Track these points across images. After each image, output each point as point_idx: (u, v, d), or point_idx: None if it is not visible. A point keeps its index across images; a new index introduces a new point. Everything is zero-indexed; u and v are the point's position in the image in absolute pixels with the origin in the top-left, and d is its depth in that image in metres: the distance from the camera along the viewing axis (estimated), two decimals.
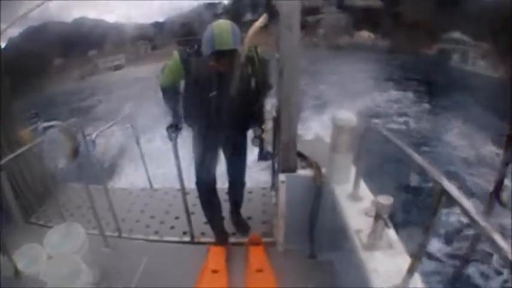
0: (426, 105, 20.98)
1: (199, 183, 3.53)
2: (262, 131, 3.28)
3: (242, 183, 3.86)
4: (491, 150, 13.09)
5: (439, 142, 15.13)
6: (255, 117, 3.31)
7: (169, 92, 3.26)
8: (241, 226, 3.95)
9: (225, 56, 2.74)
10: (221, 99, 3.01)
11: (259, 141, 3.34)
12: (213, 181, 3.60)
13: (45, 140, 3.31)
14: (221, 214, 3.79)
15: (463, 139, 14.97)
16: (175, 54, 3.05)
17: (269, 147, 3.45)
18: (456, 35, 33.99)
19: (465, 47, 32.47)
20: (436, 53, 35.74)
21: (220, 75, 2.93)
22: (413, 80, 26.35)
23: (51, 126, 3.23)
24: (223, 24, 2.74)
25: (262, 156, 3.44)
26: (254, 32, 2.82)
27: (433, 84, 24.93)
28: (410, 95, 23.09)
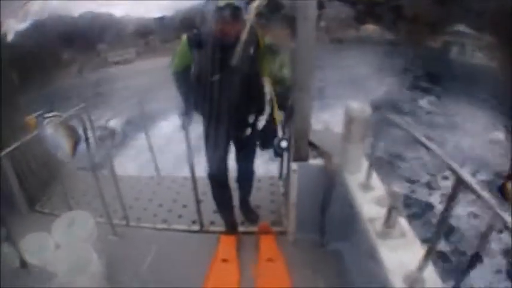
0: (430, 97, 20.97)
1: (211, 175, 3.52)
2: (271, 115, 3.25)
3: (251, 172, 3.80)
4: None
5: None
6: (258, 104, 3.26)
7: (180, 78, 3.23)
8: (250, 215, 3.94)
9: (230, 15, 2.74)
10: (227, 81, 2.97)
11: (267, 124, 3.28)
12: (226, 173, 3.58)
13: (46, 134, 3.29)
14: (232, 204, 3.77)
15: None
16: (183, 37, 3.07)
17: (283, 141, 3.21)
18: (460, 27, 34.51)
19: (469, 39, 33.15)
20: (441, 45, 36.23)
21: (226, 49, 2.88)
22: (417, 71, 26.76)
23: (54, 116, 3.20)
24: None
25: (276, 146, 3.20)
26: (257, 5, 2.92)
27: (434, 75, 25.23)
28: (414, 85, 23.35)
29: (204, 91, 3.03)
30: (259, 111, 3.27)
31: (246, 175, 3.81)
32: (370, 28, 47.32)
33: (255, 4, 2.89)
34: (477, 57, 31.33)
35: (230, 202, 3.73)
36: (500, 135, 12.93)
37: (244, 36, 2.83)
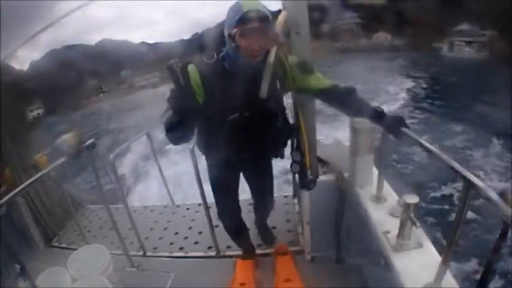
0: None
1: (222, 215, 3.19)
2: (302, 155, 2.72)
3: (271, 202, 3.50)
4: None
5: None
6: (286, 137, 2.72)
7: (177, 130, 2.16)
8: (268, 236, 3.86)
9: (256, 25, 2.01)
10: (248, 120, 2.33)
11: (300, 167, 2.76)
12: (239, 213, 3.25)
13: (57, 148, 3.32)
14: (247, 233, 3.53)
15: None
16: (192, 68, 2.22)
17: (309, 173, 2.87)
18: (464, 26, 36.63)
19: (473, 37, 35.74)
20: (447, 45, 39.06)
21: (249, 76, 2.21)
22: (419, 75, 30.59)
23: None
24: None
25: (306, 183, 2.84)
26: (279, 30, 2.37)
27: (435, 78, 29.38)
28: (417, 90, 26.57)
29: (216, 132, 2.40)
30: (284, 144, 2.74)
31: (265, 205, 3.55)
32: (382, 36, 49.37)
33: (282, 18, 2.42)
34: (464, 52, 39.37)
35: (245, 232, 3.50)
36: None
37: (272, 57, 2.19)
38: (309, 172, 2.78)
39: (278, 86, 2.33)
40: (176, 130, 2.15)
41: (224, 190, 2.92)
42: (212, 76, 2.22)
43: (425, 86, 28.17)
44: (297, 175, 3.10)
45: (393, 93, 25.47)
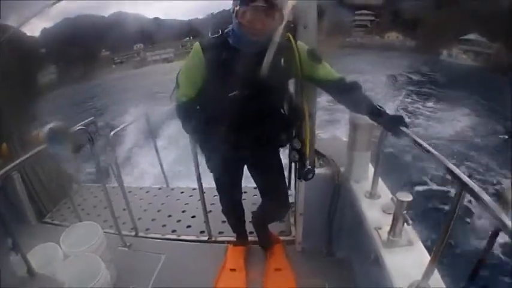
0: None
1: (222, 197, 3.11)
2: (302, 143, 2.59)
3: (282, 208, 3.13)
4: None
5: None
6: (289, 124, 2.61)
7: (190, 108, 2.41)
8: (265, 241, 3.55)
9: (260, 5, 1.95)
10: (248, 98, 2.23)
11: (299, 156, 2.66)
12: (238, 194, 3.12)
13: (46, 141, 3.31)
14: (244, 220, 3.43)
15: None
16: (195, 43, 2.26)
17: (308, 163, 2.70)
18: (473, 36, 41.64)
19: (480, 47, 37.13)
20: (456, 53, 40.62)
21: (252, 54, 2.15)
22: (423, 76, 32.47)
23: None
24: None
25: (304, 174, 2.68)
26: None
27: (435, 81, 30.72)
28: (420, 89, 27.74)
29: (215, 111, 2.36)
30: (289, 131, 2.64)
31: (272, 204, 3.06)
32: (393, 36, 50.37)
33: (291, 2, 2.25)
34: (461, 58, 42.46)
35: (243, 219, 3.42)
36: None
37: (277, 36, 2.14)
38: (307, 162, 2.66)
39: (282, 68, 2.26)
40: (187, 111, 2.38)
41: (224, 172, 2.78)
42: (214, 51, 2.21)
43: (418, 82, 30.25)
44: (293, 164, 3.11)
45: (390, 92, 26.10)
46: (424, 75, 32.85)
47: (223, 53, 2.19)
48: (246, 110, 2.25)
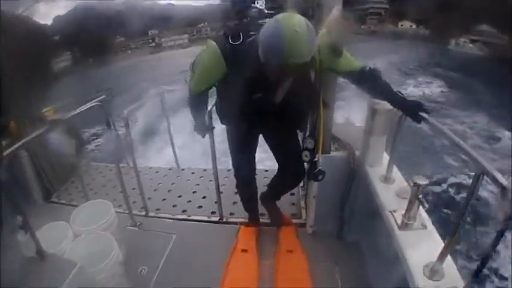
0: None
1: (238, 177, 3.24)
2: (315, 143, 2.57)
3: (302, 175, 3.13)
4: None
5: None
6: (305, 112, 2.73)
7: (200, 99, 2.62)
8: (275, 217, 3.64)
9: (296, 67, 1.93)
10: (270, 103, 2.40)
11: (311, 155, 2.61)
12: (253, 174, 3.21)
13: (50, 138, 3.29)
14: (257, 198, 3.51)
15: None
16: (212, 44, 2.25)
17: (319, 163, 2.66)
18: (484, 27, 42.20)
19: (490, 38, 37.44)
20: (467, 43, 40.76)
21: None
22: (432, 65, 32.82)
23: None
24: (297, 27, 1.84)
25: (314, 175, 2.66)
26: (330, 28, 2.27)
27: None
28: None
29: (239, 109, 2.44)
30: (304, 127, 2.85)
31: (287, 173, 3.19)
32: (407, 24, 50.94)
33: (329, 22, 2.27)
34: (468, 47, 43.16)
35: (255, 195, 3.47)
36: None
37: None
38: (318, 163, 2.63)
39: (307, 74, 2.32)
40: (198, 99, 2.59)
41: (243, 149, 2.94)
42: (238, 60, 2.18)
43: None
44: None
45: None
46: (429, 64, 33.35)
47: (247, 63, 2.13)
48: (266, 103, 2.40)
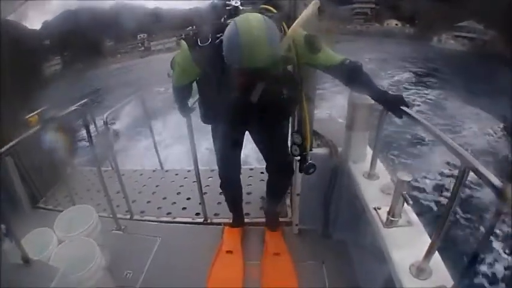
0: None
1: (223, 176, 3.18)
2: (303, 138, 2.53)
3: (290, 172, 3.10)
4: None
5: None
6: (287, 107, 2.65)
7: (182, 89, 2.64)
8: (272, 219, 3.54)
9: (261, 70, 1.89)
10: (249, 102, 2.12)
11: (300, 150, 2.58)
12: (238, 173, 3.21)
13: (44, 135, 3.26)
14: (241, 198, 3.49)
15: None
16: (183, 46, 2.30)
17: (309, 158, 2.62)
18: (470, 23, 43.35)
19: (476, 34, 38.09)
20: (448, 39, 45.36)
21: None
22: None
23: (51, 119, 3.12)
24: (255, 29, 1.80)
25: (305, 168, 2.60)
26: (301, 26, 2.20)
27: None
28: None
29: (217, 106, 2.49)
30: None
31: (282, 177, 3.14)
32: (392, 23, 51.87)
33: (301, 20, 2.19)
34: (450, 43, 44.60)
35: (240, 195, 3.46)
36: None
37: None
38: (309, 157, 2.59)
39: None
40: (180, 90, 2.66)
41: (226, 147, 2.87)
42: (206, 59, 2.19)
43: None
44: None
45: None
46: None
47: (216, 64, 2.10)
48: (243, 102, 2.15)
